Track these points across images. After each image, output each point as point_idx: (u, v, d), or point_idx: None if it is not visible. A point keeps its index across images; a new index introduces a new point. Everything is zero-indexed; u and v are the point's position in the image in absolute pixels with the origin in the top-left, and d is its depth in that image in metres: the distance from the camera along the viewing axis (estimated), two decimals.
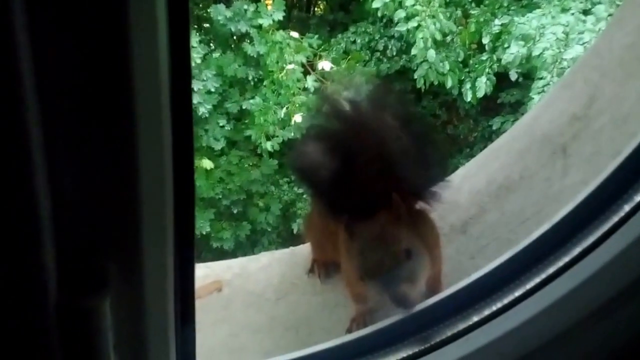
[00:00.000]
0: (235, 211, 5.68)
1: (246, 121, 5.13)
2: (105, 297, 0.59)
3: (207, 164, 4.95)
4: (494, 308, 0.94)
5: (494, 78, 5.10)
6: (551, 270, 0.95)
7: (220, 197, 5.48)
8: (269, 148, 4.98)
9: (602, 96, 1.23)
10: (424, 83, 5.27)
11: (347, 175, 1.18)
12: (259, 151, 5.16)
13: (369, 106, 1.22)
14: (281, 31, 5.06)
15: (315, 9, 6.33)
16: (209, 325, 1.19)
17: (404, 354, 0.93)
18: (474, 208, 1.27)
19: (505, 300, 0.94)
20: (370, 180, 1.16)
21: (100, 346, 0.62)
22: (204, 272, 1.36)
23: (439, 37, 5.13)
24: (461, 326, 0.93)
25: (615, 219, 0.89)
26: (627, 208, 0.87)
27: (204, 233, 5.34)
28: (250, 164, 5.29)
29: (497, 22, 5.15)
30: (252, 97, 5.08)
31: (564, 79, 1.50)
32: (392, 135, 1.19)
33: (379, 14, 5.25)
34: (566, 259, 0.95)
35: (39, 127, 0.49)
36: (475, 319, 0.92)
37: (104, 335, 0.61)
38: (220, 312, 1.25)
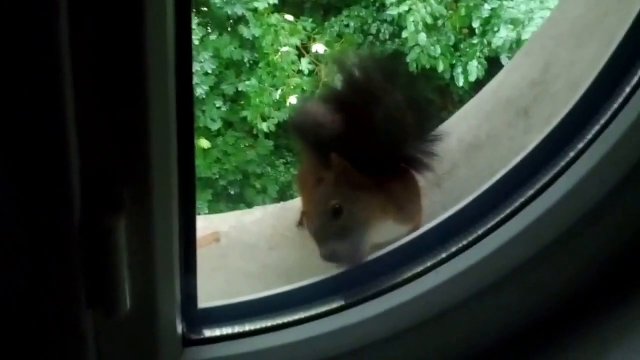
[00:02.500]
0: (232, 192, 5.80)
1: (242, 102, 5.26)
2: (121, 217, 0.71)
3: (204, 143, 5.08)
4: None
5: (485, 62, 5.23)
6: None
7: (217, 177, 5.60)
8: (265, 129, 5.12)
9: (557, 62, 1.39)
10: (416, 67, 5.40)
11: (348, 134, 1.24)
12: (254, 132, 5.29)
13: (379, 74, 1.27)
14: (276, 14, 5.18)
15: None
16: (208, 272, 1.33)
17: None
18: (446, 164, 1.41)
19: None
20: (368, 142, 1.23)
21: (116, 262, 0.73)
22: (203, 224, 1.50)
23: (429, 20, 5.26)
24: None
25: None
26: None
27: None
28: (246, 144, 5.42)
29: (486, 6, 5.27)
30: (248, 79, 5.21)
31: (525, 47, 1.65)
32: (396, 105, 1.25)
33: None
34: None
35: (71, 73, 0.62)
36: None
37: (119, 253, 0.73)
38: (217, 261, 1.38)
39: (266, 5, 5.16)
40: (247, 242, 1.45)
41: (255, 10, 5.16)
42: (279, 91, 5.08)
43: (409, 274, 1.02)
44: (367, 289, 1.02)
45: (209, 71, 5.08)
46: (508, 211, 1.01)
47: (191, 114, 0.78)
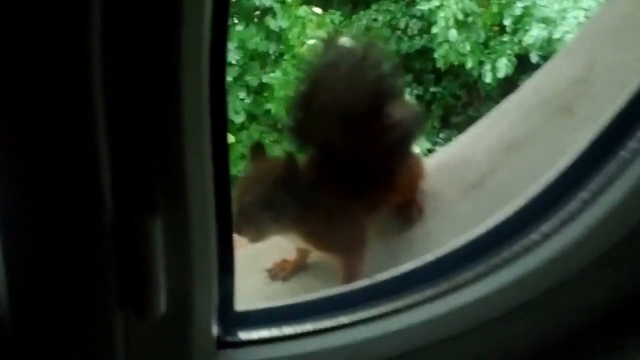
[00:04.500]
0: None
1: (266, 95, 5.24)
2: (156, 218, 0.69)
3: (229, 137, 5.07)
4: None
5: (515, 60, 5.17)
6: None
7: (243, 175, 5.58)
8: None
9: (602, 61, 1.35)
10: (444, 63, 5.35)
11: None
12: (279, 126, 5.27)
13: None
14: (304, 6, 5.15)
15: None
16: (244, 272, 1.31)
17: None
18: (488, 165, 1.38)
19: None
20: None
21: (149, 264, 0.71)
22: None
23: (460, 17, 5.20)
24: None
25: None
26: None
27: None
28: (272, 139, 5.40)
29: (519, 4, 5.22)
30: (273, 71, 5.19)
31: (567, 46, 1.62)
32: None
33: None
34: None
35: (101, 72, 0.60)
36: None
37: (155, 255, 0.71)
38: (253, 261, 1.36)
39: None
40: (283, 242, 1.43)
41: (283, 2, 5.14)
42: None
43: (452, 284, 0.99)
44: (404, 298, 0.99)
45: (233, 62, 5.06)
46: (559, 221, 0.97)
47: (224, 110, 0.77)
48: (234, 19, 5.28)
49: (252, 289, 1.29)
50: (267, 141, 5.36)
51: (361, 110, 1.30)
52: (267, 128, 5.38)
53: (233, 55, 5.09)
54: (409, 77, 5.81)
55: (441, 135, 5.63)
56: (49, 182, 0.64)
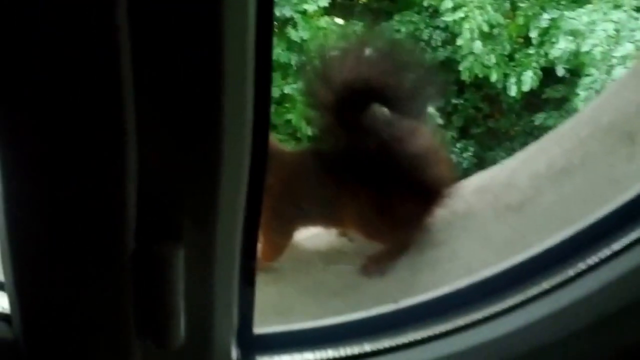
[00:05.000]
0: None
1: (287, 105, 5.22)
2: (179, 247, 0.66)
3: None
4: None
5: (540, 73, 5.12)
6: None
7: None
8: (310, 133, 5.06)
9: None
10: (469, 75, 5.31)
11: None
12: (298, 135, 5.25)
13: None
14: (326, 17, 5.13)
15: None
16: (261, 286, 1.27)
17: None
18: (531, 190, 1.34)
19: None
20: None
21: (170, 293, 0.69)
22: None
23: (485, 29, 5.16)
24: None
25: None
26: None
27: None
28: (289, 147, 5.40)
29: (546, 16, 5.17)
30: (295, 82, 5.17)
31: (634, 68, 1.56)
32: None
33: (425, 4, 5.32)
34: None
35: (132, 94, 0.57)
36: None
37: (174, 283, 0.69)
38: (271, 275, 1.33)
39: (316, 8, 5.12)
40: (301, 257, 1.39)
41: (304, 12, 5.13)
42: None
43: (484, 314, 0.95)
44: (430, 326, 0.95)
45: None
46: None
47: (266, 145, 0.72)
48: None
49: (268, 303, 1.25)
50: None
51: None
52: (285, 137, 5.37)
53: None
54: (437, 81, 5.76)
55: (458, 145, 5.58)
56: (71, 204, 0.61)
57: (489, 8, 5.13)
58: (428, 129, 1.39)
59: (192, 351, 0.76)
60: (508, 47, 5.34)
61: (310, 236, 1.45)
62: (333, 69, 1.31)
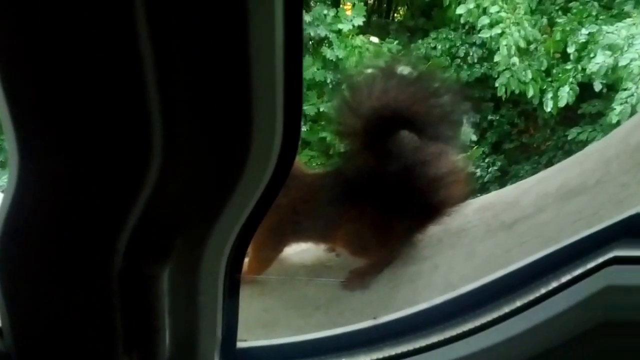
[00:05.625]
0: None
1: (322, 123, 5.29)
2: (167, 266, 0.69)
3: None
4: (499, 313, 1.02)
5: (577, 88, 5.08)
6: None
7: None
8: (343, 149, 5.11)
9: None
10: (505, 91, 5.30)
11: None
12: (330, 152, 5.31)
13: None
14: (361, 36, 5.21)
15: (395, 14, 6.44)
16: (246, 299, 1.33)
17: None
18: (531, 209, 1.37)
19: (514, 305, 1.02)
20: None
21: (156, 310, 0.72)
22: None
23: (522, 44, 5.16)
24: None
25: None
26: None
27: None
28: (319, 163, 5.44)
29: (584, 31, 5.13)
30: (330, 100, 5.24)
31: None
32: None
33: (462, 21, 5.34)
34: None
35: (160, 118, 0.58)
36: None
37: (160, 300, 0.72)
38: (256, 288, 1.39)
39: (351, 27, 5.19)
40: (287, 271, 1.45)
41: (339, 31, 5.21)
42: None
43: (461, 329, 0.99)
44: (409, 341, 1.00)
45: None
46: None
47: (285, 177, 0.71)
48: None
49: (252, 316, 1.31)
50: (313, 164, 5.42)
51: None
52: (317, 153, 5.42)
53: None
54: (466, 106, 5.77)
55: (487, 160, 5.57)
56: (67, 230, 0.65)
57: (526, 24, 5.13)
58: (453, 152, 1.42)
59: None
60: (545, 63, 5.33)
61: (298, 251, 1.50)
62: (361, 95, 1.35)
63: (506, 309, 0.99)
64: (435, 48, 5.67)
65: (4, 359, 0.73)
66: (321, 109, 5.29)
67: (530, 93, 5.27)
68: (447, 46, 5.69)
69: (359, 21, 5.27)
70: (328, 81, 5.32)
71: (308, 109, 5.35)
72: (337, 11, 5.28)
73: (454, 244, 1.36)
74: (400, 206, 1.38)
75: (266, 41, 0.58)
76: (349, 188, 1.40)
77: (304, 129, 5.36)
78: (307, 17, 5.32)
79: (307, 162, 5.41)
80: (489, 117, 5.90)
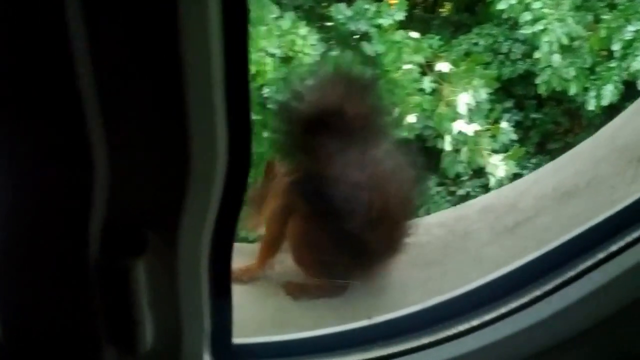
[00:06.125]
0: None
1: None
2: (140, 259, 0.73)
3: None
4: (497, 313, 1.05)
5: (622, 86, 5.00)
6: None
7: None
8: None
9: None
10: (546, 89, 5.25)
11: None
12: None
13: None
14: (400, 31, 5.20)
15: (440, 9, 6.41)
16: (261, 299, 1.39)
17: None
18: (531, 211, 1.40)
19: (510, 306, 1.05)
20: None
21: (134, 303, 0.76)
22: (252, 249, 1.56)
23: (565, 41, 5.09)
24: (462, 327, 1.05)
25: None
26: None
27: None
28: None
29: (630, 27, 5.04)
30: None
31: None
32: None
33: (504, 16, 5.29)
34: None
35: (98, 106, 0.62)
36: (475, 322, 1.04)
37: (137, 293, 0.76)
38: (271, 288, 1.44)
39: (391, 22, 5.19)
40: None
41: (379, 26, 5.21)
42: (398, 109, 5.08)
43: (454, 330, 1.03)
44: (404, 341, 1.04)
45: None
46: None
47: (247, 159, 0.76)
48: (330, 44, 5.39)
49: (266, 316, 1.36)
50: None
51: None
52: None
53: None
54: (509, 103, 5.74)
55: (533, 160, 5.51)
56: (34, 219, 0.70)
57: (569, 20, 5.06)
58: (384, 160, 1.46)
59: (163, 358, 0.87)
60: (589, 60, 5.25)
61: None
62: (295, 100, 1.44)
63: (503, 309, 1.02)
64: (477, 44, 5.63)
65: None
66: None
67: (573, 91, 5.20)
68: (490, 42, 5.65)
69: (400, 16, 5.25)
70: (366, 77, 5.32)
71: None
72: (379, 5, 5.28)
73: (461, 248, 1.39)
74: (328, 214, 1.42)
75: (200, 42, 0.61)
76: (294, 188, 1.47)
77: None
78: (348, 12, 5.33)
79: None
80: (532, 116, 5.84)
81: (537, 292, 1.03)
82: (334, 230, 1.39)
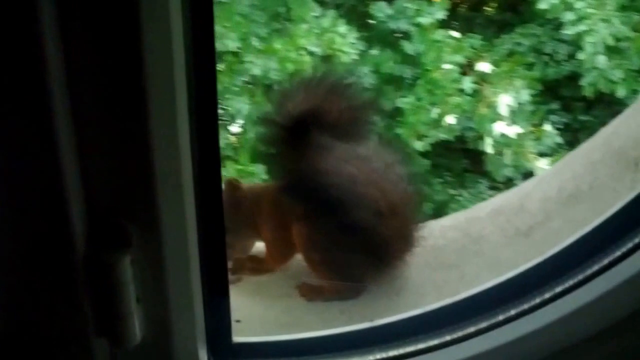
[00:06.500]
0: None
1: (398, 119, 5.29)
2: (125, 254, 0.76)
3: None
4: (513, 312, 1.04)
5: None
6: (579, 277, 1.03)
7: None
8: (419, 148, 5.10)
9: None
10: (593, 91, 5.14)
11: None
12: (407, 150, 5.29)
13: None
14: (441, 30, 5.15)
15: (485, 7, 6.33)
16: (271, 299, 1.39)
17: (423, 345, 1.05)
18: (540, 214, 1.38)
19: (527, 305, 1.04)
20: None
21: (120, 296, 0.79)
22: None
23: (611, 42, 4.98)
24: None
25: None
26: None
27: None
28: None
29: None
30: (406, 96, 5.23)
31: None
32: None
33: (548, 16, 5.21)
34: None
35: (68, 108, 0.67)
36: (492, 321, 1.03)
37: (124, 288, 0.79)
38: (282, 289, 1.44)
39: (432, 21, 5.15)
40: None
41: (419, 25, 5.18)
42: (437, 110, 5.04)
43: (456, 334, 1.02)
44: (406, 344, 1.03)
45: (367, 86, 5.16)
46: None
47: (216, 141, 0.82)
48: (369, 42, 5.38)
49: (273, 317, 1.35)
50: None
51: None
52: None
53: (367, 80, 5.19)
54: (555, 105, 5.63)
55: None
56: (17, 216, 0.73)
57: (615, 21, 4.95)
58: (373, 156, 1.45)
59: (155, 351, 0.88)
60: (637, 62, 5.12)
61: None
62: (285, 100, 1.45)
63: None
64: (520, 44, 5.54)
65: None
66: (397, 105, 5.29)
67: (621, 93, 5.09)
68: (533, 42, 5.55)
69: (441, 14, 5.21)
70: (405, 76, 5.30)
71: (385, 103, 5.35)
72: (420, 4, 5.25)
73: (477, 251, 1.37)
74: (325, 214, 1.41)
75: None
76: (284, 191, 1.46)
77: (380, 124, 5.35)
78: (388, 10, 5.31)
79: None
80: (580, 118, 5.73)
81: (546, 295, 1.01)
82: (337, 225, 1.38)
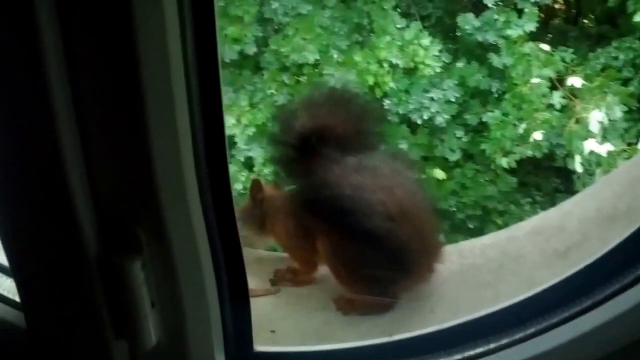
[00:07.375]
0: (471, 226, 5.78)
1: (484, 134, 5.23)
2: (135, 257, 0.81)
3: (439, 174, 5.15)
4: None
5: None
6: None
7: (455, 209, 5.63)
8: (504, 164, 5.03)
9: None
10: None
11: None
12: (492, 167, 5.23)
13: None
14: (530, 43, 5.07)
15: (582, 20, 6.17)
16: (307, 311, 1.43)
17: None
18: (578, 235, 1.36)
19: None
20: None
21: (134, 300, 0.83)
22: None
23: None
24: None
25: None
26: None
27: None
28: (486, 179, 5.37)
29: None
30: (492, 110, 5.17)
31: None
32: None
33: None
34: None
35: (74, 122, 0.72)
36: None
37: (137, 291, 0.83)
38: (321, 302, 1.48)
39: (521, 33, 5.08)
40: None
41: (507, 37, 5.11)
42: (524, 125, 4.96)
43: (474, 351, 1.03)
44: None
45: (452, 99, 5.14)
46: None
47: (223, 147, 0.84)
48: (455, 55, 5.35)
49: (310, 328, 1.39)
50: (480, 180, 5.34)
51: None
52: (482, 167, 5.35)
53: (452, 93, 5.17)
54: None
55: None
56: (28, 224, 0.80)
57: None
58: (380, 166, 1.48)
59: (172, 353, 0.93)
60: None
61: None
62: (287, 123, 1.51)
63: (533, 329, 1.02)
64: (617, 58, 5.37)
65: (23, 334, 0.90)
66: (483, 119, 5.23)
67: None
68: (631, 56, 5.37)
69: (531, 26, 5.14)
70: (493, 90, 5.25)
71: (470, 118, 5.31)
72: (508, 16, 5.18)
73: (514, 271, 1.37)
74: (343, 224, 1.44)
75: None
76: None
77: (464, 139, 5.32)
78: (476, 22, 5.28)
79: (472, 177, 5.31)
80: None
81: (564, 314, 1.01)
82: (351, 235, 1.41)
